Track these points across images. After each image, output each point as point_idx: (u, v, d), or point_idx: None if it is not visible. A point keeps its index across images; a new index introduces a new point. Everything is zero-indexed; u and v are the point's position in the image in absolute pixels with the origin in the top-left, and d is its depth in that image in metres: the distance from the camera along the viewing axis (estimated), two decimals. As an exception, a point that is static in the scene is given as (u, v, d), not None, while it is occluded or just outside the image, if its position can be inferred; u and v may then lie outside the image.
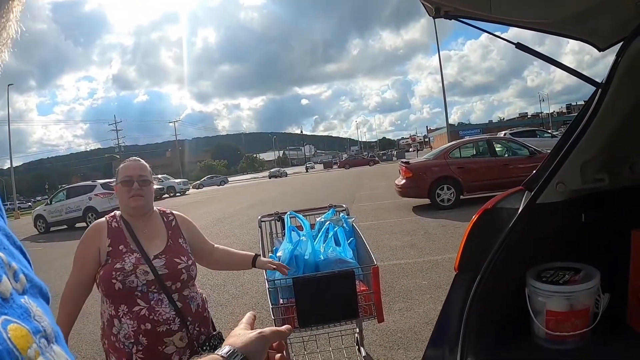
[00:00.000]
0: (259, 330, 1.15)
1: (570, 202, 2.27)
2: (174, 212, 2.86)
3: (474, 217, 2.45)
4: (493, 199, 2.45)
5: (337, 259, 3.16)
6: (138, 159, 2.76)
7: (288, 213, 3.62)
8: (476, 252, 2.29)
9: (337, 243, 3.41)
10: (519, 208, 2.26)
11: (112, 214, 2.65)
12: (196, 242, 2.80)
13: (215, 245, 2.96)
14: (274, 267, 2.83)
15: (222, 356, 1.04)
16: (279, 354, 1.17)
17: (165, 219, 2.74)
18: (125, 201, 2.57)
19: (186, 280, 2.53)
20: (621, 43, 2.05)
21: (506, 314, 2.22)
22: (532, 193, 2.25)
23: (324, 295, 2.93)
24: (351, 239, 3.62)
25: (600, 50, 2.31)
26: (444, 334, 2.23)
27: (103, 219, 2.62)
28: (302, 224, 3.49)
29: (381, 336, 5.11)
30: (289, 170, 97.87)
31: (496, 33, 2.55)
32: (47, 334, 0.58)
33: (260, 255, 2.96)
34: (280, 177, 73.31)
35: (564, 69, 2.32)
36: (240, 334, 1.14)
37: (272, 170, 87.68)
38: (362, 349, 4.37)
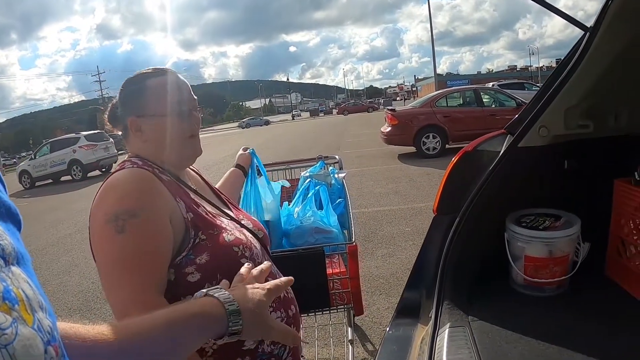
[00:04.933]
0: (261, 286, 1.12)
1: (553, 148, 2.25)
2: None
3: (454, 159, 2.41)
4: (474, 141, 2.42)
5: (313, 228, 2.53)
6: (175, 71, 1.63)
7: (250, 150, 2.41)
8: (455, 195, 2.27)
9: (320, 206, 2.76)
10: (500, 151, 2.23)
11: (134, 161, 1.51)
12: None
13: None
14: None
15: (216, 297, 1.01)
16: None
17: (197, 171, 1.86)
18: (179, 149, 1.56)
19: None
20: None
21: (485, 259, 2.22)
22: (514, 136, 2.22)
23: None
24: (339, 199, 2.99)
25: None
26: (422, 277, 2.23)
27: (136, 169, 1.46)
28: (260, 170, 2.45)
29: (363, 282, 5.14)
30: (274, 118, 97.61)
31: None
32: (4, 253, 0.54)
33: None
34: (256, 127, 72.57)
35: (553, 10, 2.27)
36: (242, 288, 1.10)
37: (243, 120, 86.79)
38: (349, 329, 3.54)
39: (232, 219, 1.59)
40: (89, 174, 23.07)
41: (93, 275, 7.02)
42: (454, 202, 2.25)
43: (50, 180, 23.76)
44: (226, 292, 1.04)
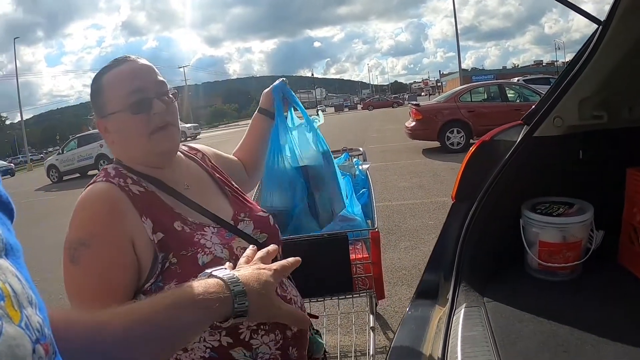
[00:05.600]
0: (267, 266, 1.10)
1: (568, 138, 2.32)
2: (191, 145, 1.75)
3: (472, 148, 2.50)
4: (491, 132, 2.50)
5: (338, 216, 2.47)
6: (137, 57, 1.46)
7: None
8: (473, 183, 2.34)
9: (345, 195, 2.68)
10: (516, 141, 2.31)
11: (110, 172, 1.39)
12: (234, 170, 1.81)
13: (233, 153, 1.97)
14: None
15: (220, 278, 0.99)
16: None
17: (196, 158, 1.66)
18: (144, 146, 1.39)
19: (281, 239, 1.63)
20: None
21: (501, 244, 2.30)
22: (530, 126, 2.29)
23: (314, 263, 2.04)
24: (363, 189, 3.10)
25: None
26: (440, 261, 2.31)
27: (102, 184, 1.34)
28: (292, 102, 2.11)
29: (386, 273, 5.23)
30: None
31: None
32: None
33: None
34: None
35: (567, 5, 2.33)
36: (247, 268, 1.08)
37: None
38: (371, 317, 3.39)
39: (223, 224, 1.43)
40: (117, 168, 23.45)
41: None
42: (472, 190, 2.32)
43: (78, 175, 24.20)
44: (231, 272, 1.02)
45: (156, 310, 0.87)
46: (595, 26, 2.22)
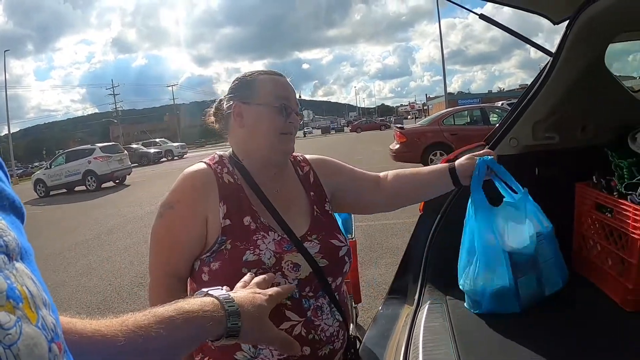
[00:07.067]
0: (262, 291, 1.13)
1: (524, 156, 2.57)
2: (306, 156, 1.91)
3: None
4: (455, 151, 2.76)
5: None
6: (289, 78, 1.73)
7: None
8: (438, 197, 2.59)
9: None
10: None
11: (215, 158, 1.68)
12: (352, 184, 1.88)
13: (382, 174, 1.95)
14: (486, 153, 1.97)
15: (216, 297, 1.01)
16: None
17: (301, 171, 1.81)
18: (272, 140, 1.63)
19: (346, 272, 1.71)
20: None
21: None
22: (489, 146, 2.55)
23: None
24: None
25: (554, 23, 2.58)
26: (409, 266, 2.53)
27: (203, 165, 1.64)
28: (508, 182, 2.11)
29: (367, 288, 5.48)
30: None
31: (466, 6, 2.83)
32: (8, 250, 0.52)
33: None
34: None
35: (523, 39, 2.61)
36: (243, 291, 1.11)
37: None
38: (351, 325, 3.36)
39: (289, 235, 1.56)
40: (103, 185, 23.51)
41: (110, 277, 7.44)
42: (437, 203, 2.55)
43: (65, 190, 24.22)
44: (227, 292, 1.04)
45: (150, 323, 0.87)
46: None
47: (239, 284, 1.19)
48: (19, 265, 0.53)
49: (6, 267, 0.50)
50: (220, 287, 1.08)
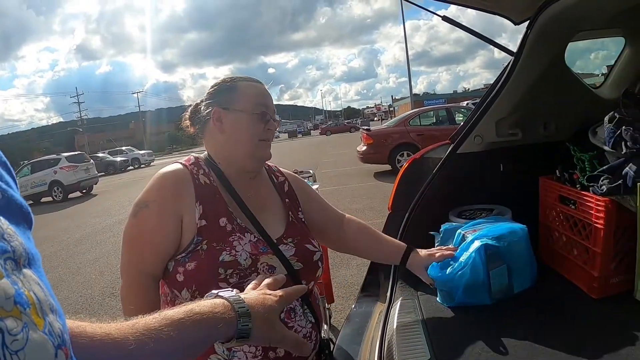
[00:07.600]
0: (273, 293, 1.13)
1: (489, 152, 2.64)
2: (281, 169, 1.99)
3: (405, 165, 2.84)
4: (421, 150, 2.83)
5: None
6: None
7: None
8: (406, 195, 2.64)
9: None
10: (442, 158, 2.63)
11: (191, 159, 1.70)
12: (317, 214, 1.97)
13: (347, 216, 2.14)
14: (445, 256, 1.98)
15: (226, 299, 1.01)
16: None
17: (276, 179, 1.90)
18: (250, 146, 1.67)
19: (319, 277, 1.78)
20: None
21: (432, 246, 2.56)
22: (454, 144, 2.62)
23: None
24: None
25: (515, 24, 2.65)
26: (380, 264, 2.54)
27: (179, 165, 1.66)
28: None
29: (339, 288, 5.53)
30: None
31: (430, 8, 2.90)
32: (16, 255, 0.52)
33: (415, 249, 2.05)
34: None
35: (485, 40, 2.68)
36: (253, 292, 1.11)
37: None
38: (325, 326, 3.32)
39: (265, 237, 1.60)
40: (70, 195, 23.20)
41: (81, 289, 7.37)
42: (405, 201, 2.60)
43: (31, 202, 23.54)
44: (237, 294, 1.05)
45: (161, 325, 0.87)
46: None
47: (249, 286, 1.19)
48: (26, 271, 0.53)
49: (14, 273, 0.50)
50: (229, 289, 1.08)
